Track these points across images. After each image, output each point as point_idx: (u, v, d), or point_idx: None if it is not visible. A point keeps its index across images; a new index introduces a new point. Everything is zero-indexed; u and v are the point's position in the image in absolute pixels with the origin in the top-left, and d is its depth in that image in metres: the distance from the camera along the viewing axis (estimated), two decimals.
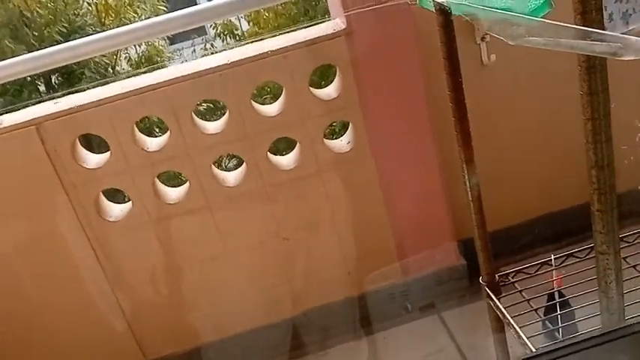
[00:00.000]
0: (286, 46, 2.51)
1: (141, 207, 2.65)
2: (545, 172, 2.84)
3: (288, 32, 2.64)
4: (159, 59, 10.73)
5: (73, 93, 2.61)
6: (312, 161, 2.68)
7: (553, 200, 2.88)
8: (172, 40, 13.29)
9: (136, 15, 10.24)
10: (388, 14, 2.16)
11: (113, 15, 10.16)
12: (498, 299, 1.78)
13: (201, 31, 12.66)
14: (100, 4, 10.24)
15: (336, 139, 2.84)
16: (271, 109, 2.66)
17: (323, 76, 6.14)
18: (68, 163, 2.52)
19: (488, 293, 1.81)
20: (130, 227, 2.67)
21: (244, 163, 2.69)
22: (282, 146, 4.40)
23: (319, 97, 2.62)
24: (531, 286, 1.85)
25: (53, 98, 2.61)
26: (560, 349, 0.91)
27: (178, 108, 2.53)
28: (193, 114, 2.60)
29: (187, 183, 2.68)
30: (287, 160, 2.74)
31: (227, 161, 7.91)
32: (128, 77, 2.67)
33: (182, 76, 2.50)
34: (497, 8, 1.40)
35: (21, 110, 2.58)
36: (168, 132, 2.58)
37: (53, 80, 9.50)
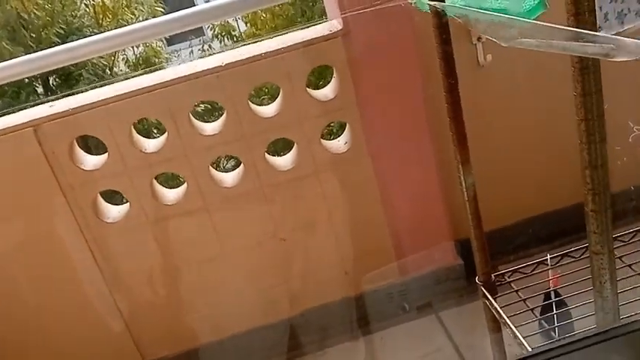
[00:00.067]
0: (283, 47, 2.51)
1: (138, 208, 2.65)
2: (540, 172, 2.85)
3: (285, 34, 2.64)
4: (156, 60, 10.74)
5: (70, 95, 2.60)
6: (310, 162, 2.69)
7: (549, 200, 2.88)
8: (170, 41, 13.30)
9: (133, 16, 10.25)
10: (385, 15, 2.16)
11: (110, 16, 10.16)
12: (494, 299, 1.79)
13: (198, 32, 12.67)
14: (97, 5, 10.24)
15: (333, 139, 2.85)
16: (268, 110, 2.66)
17: (320, 76, 6.15)
18: (66, 165, 2.52)
19: (485, 293, 1.82)
20: (127, 228, 2.68)
21: (242, 164, 2.70)
22: (280, 146, 4.41)
23: (316, 98, 2.63)
24: (527, 285, 1.86)
25: (50, 100, 2.61)
26: (556, 349, 0.92)
27: (176, 109, 2.53)
28: (191, 115, 2.60)
29: (185, 184, 2.69)
30: (284, 161, 2.74)
31: (225, 162, 7.92)
32: (126, 79, 2.67)
33: (179, 77, 2.50)
34: (492, 9, 1.41)
35: (18, 112, 2.58)
36: (166, 133, 2.59)
37: (51, 82, 9.50)
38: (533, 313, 1.79)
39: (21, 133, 2.46)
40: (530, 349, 1.55)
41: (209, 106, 8.00)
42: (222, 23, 10.68)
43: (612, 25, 1.43)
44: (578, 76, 1.00)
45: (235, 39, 10.99)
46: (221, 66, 2.50)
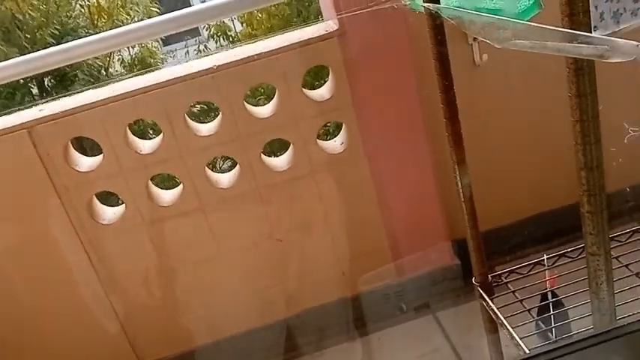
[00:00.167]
0: (279, 48, 2.51)
1: (134, 210, 2.64)
2: (537, 172, 2.85)
3: (282, 35, 2.63)
4: (152, 61, 10.71)
5: (62, 97, 2.59)
6: (306, 162, 2.68)
7: (545, 200, 2.88)
8: (166, 41, 13.29)
9: (128, 17, 10.22)
10: (381, 15, 2.16)
11: (106, 17, 10.13)
12: (491, 300, 1.79)
13: (194, 32, 12.65)
14: (92, 6, 10.21)
15: (330, 139, 2.84)
16: (264, 110, 2.66)
17: (317, 76, 6.15)
18: (60, 167, 2.51)
19: (481, 294, 1.81)
20: (123, 230, 2.67)
21: (238, 165, 2.69)
22: (277, 147, 4.41)
23: (312, 99, 2.62)
24: (524, 286, 1.86)
25: (41, 103, 2.60)
26: (553, 352, 0.92)
27: (171, 110, 2.52)
28: (186, 116, 2.59)
29: (181, 185, 2.68)
30: (280, 162, 2.74)
31: (221, 162, 7.91)
32: (123, 79, 2.66)
33: (174, 78, 2.49)
34: (486, 9, 1.40)
35: (12, 114, 2.57)
36: (161, 134, 2.58)
37: (46, 83, 9.47)
38: (530, 314, 1.79)
39: (15, 135, 2.45)
40: (527, 350, 1.54)
41: (205, 106, 7.99)
42: (218, 23, 10.66)
43: (608, 24, 1.42)
44: (573, 77, 0.99)
45: (231, 39, 10.97)
46: (216, 66, 2.49)
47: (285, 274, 2.87)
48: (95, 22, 10.12)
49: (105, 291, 2.74)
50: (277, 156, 2.85)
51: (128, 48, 10.31)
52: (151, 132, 7.42)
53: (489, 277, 1.85)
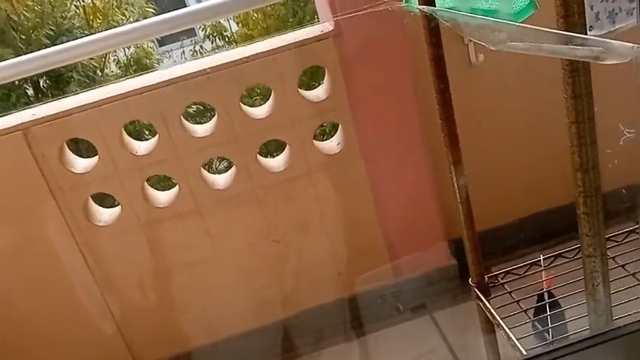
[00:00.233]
0: (274, 49, 2.50)
1: (130, 211, 2.64)
2: (533, 171, 2.85)
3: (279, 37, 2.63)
4: (148, 61, 10.69)
5: (55, 100, 2.58)
6: (302, 163, 2.68)
7: (542, 199, 2.88)
8: (161, 41, 13.26)
9: (124, 17, 10.19)
10: (377, 16, 2.15)
11: (101, 17, 10.10)
12: (488, 300, 1.79)
13: (190, 32, 12.63)
14: (87, 6, 10.18)
15: (326, 139, 2.84)
16: (260, 111, 2.65)
17: (313, 76, 6.14)
18: (56, 168, 2.50)
19: (478, 295, 1.81)
20: (119, 231, 2.66)
21: (234, 166, 2.69)
22: (273, 147, 4.41)
23: (308, 99, 2.62)
24: (521, 287, 1.86)
25: (35, 106, 2.59)
26: (549, 353, 0.92)
27: (167, 111, 2.52)
28: (182, 117, 2.59)
29: (177, 186, 2.68)
30: (277, 162, 2.73)
31: (217, 163, 7.90)
32: (118, 81, 2.66)
33: (170, 79, 2.49)
34: (482, 10, 1.40)
35: (7, 115, 2.56)
36: (157, 135, 2.57)
37: (41, 84, 9.44)
38: (527, 315, 1.79)
39: (10, 137, 2.44)
40: (524, 351, 1.54)
41: (201, 107, 7.98)
42: (214, 24, 10.64)
43: (603, 24, 1.43)
44: (568, 78, 0.99)
45: (227, 39, 10.96)
46: (212, 67, 2.49)
47: (282, 275, 2.87)
48: (90, 22, 10.09)
49: (101, 292, 2.73)
50: (274, 156, 2.84)
51: (124, 48, 10.28)
52: (146, 132, 7.41)
53: (486, 278, 1.85)
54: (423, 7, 1.37)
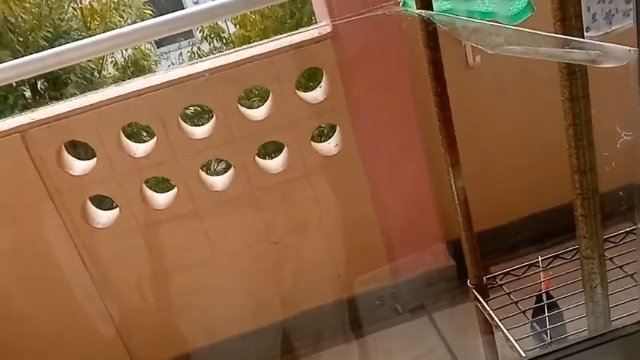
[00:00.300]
0: (272, 50, 2.51)
1: (128, 213, 2.64)
2: (531, 172, 2.86)
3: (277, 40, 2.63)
4: (145, 63, 10.68)
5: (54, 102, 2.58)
6: (300, 164, 2.68)
7: (539, 200, 2.89)
8: (159, 43, 13.27)
9: (121, 19, 10.18)
10: (374, 18, 2.16)
11: (99, 19, 10.08)
12: (486, 302, 1.79)
13: (187, 34, 12.64)
14: (85, 8, 10.16)
15: (325, 140, 2.84)
16: (258, 113, 2.65)
17: (311, 78, 6.14)
18: (54, 171, 2.50)
19: (477, 296, 1.82)
20: (117, 233, 2.66)
21: (232, 168, 2.69)
22: (271, 148, 4.40)
23: (306, 101, 2.62)
24: (519, 288, 1.86)
25: (40, 104, 2.59)
26: (548, 355, 0.92)
27: (164, 114, 2.52)
28: (180, 119, 2.59)
29: (175, 188, 2.68)
30: (275, 164, 2.74)
31: (216, 164, 7.89)
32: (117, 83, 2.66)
33: (168, 81, 2.49)
34: (479, 12, 1.41)
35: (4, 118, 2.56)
36: (155, 138, 2.57)
37: (39, 86, 9.42)
38: (525, 316, 1.79)
39: (8, 139, 2.44)
40: (522, 353, 1.54)
41: (198, 108, 7.97)
42: (212, 25, 10.64)
43: (600, 25, 1.43)
44: (565, 81, 0.99)
45: (225, 41, 10.96)
46: (210, 69, 2.49)
47: (281, 277, 2.87)
48: (88, 24, 10.07)
49: (100, 294, 2.73)
50: (272, 158, 2.84)
51: (121, 50, 10.27)
52: (144, 134, 7.40)
53: (484, 279, 1.85)
54: (420, 11, 1.37)
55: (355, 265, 2.85)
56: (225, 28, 11.47)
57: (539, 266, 1.89)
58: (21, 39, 9.16)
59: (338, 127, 2.73)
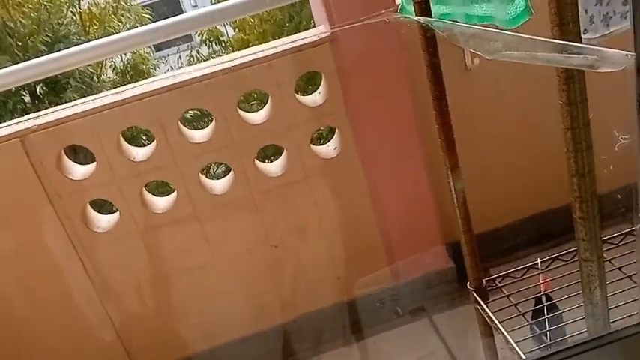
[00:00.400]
0: (271, 55, 2.51)
1: (128, 217, 2.64)
2: (530, 174, 2.86)
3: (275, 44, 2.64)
4: (144, 67, 10.69)
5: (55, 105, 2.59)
6: (300, 168, 2.69)
7: (539, 201, 2.89)
8: (158, 47, 13.30)
9: (120, 23, 10.20)
10: (373, 23, 2.17)
11: (97, 24, 10.10)
12: (486, 304, 1.79)
13: (186, 37, 12.67)
14: (84, 12, 10.18)
15: (324, 142, 2.85)
16: (257, 116, 2.66)
17: (310, 81, 6.15)
18: (54, 175, 2.50)
19: (476, 298, 1.82)
20: (117, 238, 2.66)
21: (232, 171, 2.69)
22: (271, 152, 4.41)
23: (305, 104, 2.63)
24: (519, 290, 1.86)
25: (40, 109, 2.60)
26: (547, 357, 0.92)
27: (164, 118, 2.52)
28: (180, 123, 2.59)
29: (175, 192, 2.68)
30: (274, 167, 2.74)
31: (215, 168, 7.90)
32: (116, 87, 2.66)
33: (167, 85, 2.49)
34: (478, 16, 1.41)
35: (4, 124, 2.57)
36: (155, 142, 2.58)
37: (38, 90, 9.43)
38: (525, 318, 1.79)
39: (8, 144, 2.44)
40: (522, 355, 1.55)
41: (198, 112, 7.98)
42: (210, 29, 10.65)
43: (598, 27, 1.44)
44: (563, 85, 1.00)
45: (223, 44, 10.97)
46: (209, 74, 2.49)
47: (281, 280, 2.87)
48: (87, 28, 10.09)
49: (100, 299, 2.73)
50: (271, 161, 2.85)
51: (120, 54, 10.29)
52: (144, 138, 7.41)
53: (484, 282, 1.85)
54: (419, 18, 1.38)
55: (355, 268, 2.86)
56: (224, 31, 11.50)
57: (538, 268, 1.89)
58: (20, 43, 9.16)
59: (337, 130, 2.73)
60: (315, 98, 2.66)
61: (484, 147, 2.79)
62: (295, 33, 2.72)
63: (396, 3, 1.91)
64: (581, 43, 0.92)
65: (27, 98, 9.39)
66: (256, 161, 2.68)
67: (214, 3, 10.46)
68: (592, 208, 1.10)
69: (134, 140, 6.77)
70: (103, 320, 2.76)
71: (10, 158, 2.46)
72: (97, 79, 9.81)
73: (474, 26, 1.10)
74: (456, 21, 1.53)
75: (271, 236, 2.77)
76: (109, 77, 10.54)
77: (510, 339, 1.63)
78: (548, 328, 1.80)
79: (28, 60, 2.57)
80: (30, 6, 9.32)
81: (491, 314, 1.76)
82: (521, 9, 1.26)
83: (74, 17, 10.19)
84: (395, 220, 2.85)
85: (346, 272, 2.87)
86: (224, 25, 11.56)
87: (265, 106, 2.66)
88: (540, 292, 1.95)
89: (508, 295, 1.84)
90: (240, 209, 2.70)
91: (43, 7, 9.36)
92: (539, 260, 1.89)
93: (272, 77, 2.54)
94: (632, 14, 0.78)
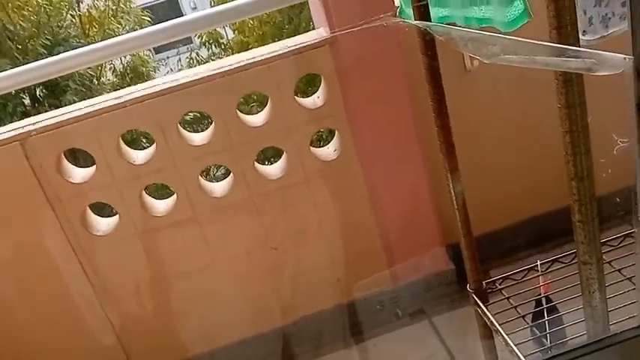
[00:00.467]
0: (270, 57, 2.51)
1: (128, 220, 2.64)
2: (530, 175, 2.86)
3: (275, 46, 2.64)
4: (144, 69, 10.69)
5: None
6: (299, 170, 2.69)
7: (539, 203, 2.89)
8: (157, 49, 13.28)
9: (119, 26, 10.20)
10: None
11: (97, 26, 10.10)
12: (486, 306, 1.79)
13: (186, 40, 12.66)
14: (83, 15, 10.18)
15: (324, 144, 2.85)
16: (257, 119, 2.66)
17: (310, 82, 6.16)
18: (53, 178, 2.50)
19: (476, 301, 1.82)
20: (117, 240, 2.66)
21: (231, 174, 2.69)
22: (270, 154, 4.41)
23: (305, 106, 2.63)
24: (518, 292, 1.86)
25: (40, 112, 2.60)
26: None
27: (164, 120, 2.52)
28: (179, 126, 2.59)
29: (175, 195, 2.68)
30: (274, 170, 2.74)
31: (215, 170, 7.90)
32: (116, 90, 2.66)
33: (167, 88, 2.49)
34: (476, 19, 1.42)
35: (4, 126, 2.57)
36: (155, 144, 2.58)
37: (38, 93, 9.43)
38: (525, 321, 1.79)
39: (8, 147, 2.44)
40: (522, 358, 1.55)
41: (198, 114, 7.98)
42: (210, 31, 10.66)
43: (597, 29, 1.44)
44: (561, 88, 1.00)
45: (223, 46, 10.97)
46: (209, 76, 2.49)
47: (281, 282, 2.87)
48: (87, 31, 10.09)
49: (100, 302, 2.73)
50: (271, 163, 2.85)
51: (120, 57, 10.29)
52: (144, 140, 7.41)
53: (484, 284, 1.85)
54: (417, 22, 1.38)
55: (355, 270, 2.86)
56: (224, 33, 11.50)
57: (537, 270, 1.89)
58: (20, 46, 9.16)
59: (337, 132, 2.74)
60: (315, 100, 2.66)
61: (484, 148, 2.79)
62: (295, 35, 2.72)
63: (395, 5, 1.92)
64: (579, 46, 0.92)
65: (27, 101, 9.39)
66: (256, 163, 2.68)
67: (213, 5, 10.47)
68: (591, 211, 1.10)
69: (134, 143, 6.76)
70: (103, 323, 2.76)
71: (10, 161, 2.46)
72: (96, 82, 9.80)
73: (472, 30, 1.11)
74: (455, 23, 1.53)
75: (271, 239, 2.77)
76: (109, 80, 10.54)
77: (510, 341, 1.63)
78: (548, 331, 1.79)
79: (28, 63, 2.57)
80: (29, 9, 9.32)
81: (491, 317, 1.75)
82: (520, 11, 1.26)
83: (74, 20, 10.19)
84: (394, 222, 2.84)
85: (346, 275, 2.87)
86: (224, 27, 11.55)
87: (265, 109, 2.66)
88: (540, 294, 1.94)
89: (508, 298, 1.84)
90: (240, 212, 2.70)
91: (42, 10, 9.36)
92: (539, 262, 1.89)
93: (271, 79, 2.54)
94: (629, 19, 0.78)
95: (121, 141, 2.58)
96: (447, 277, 2.94)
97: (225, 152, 2.62)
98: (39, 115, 2.61)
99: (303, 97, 2.76)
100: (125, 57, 10.52)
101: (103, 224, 2.69)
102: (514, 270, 1.92)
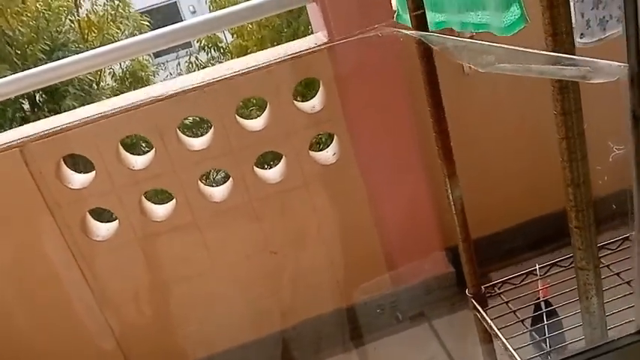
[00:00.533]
0: (269, 61, 2.52)
1: (128, 225, 2.64)
2: (528, 178, 2.86)
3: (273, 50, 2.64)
4: (143, 73, 10.69)
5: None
6: (299, 174, 2.69)
7: (538, 206, 2.89)
8: (157, 53, 13.29)
9: (118, 31, 10.20)
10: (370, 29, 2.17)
11: (96, 31, 10.11)
12: (485, 311, 1.79)
13: (185, 44, 12.65)
14: (82, 20, 10.18)
15: (323, 148, 2.85)
16: (256, 123, 2.66)
17: (308, 86, 6.16)
18: (53, 184, 2.51)
19: (475, 305, 1.82)
20: (117, 246, 2.67)
21: (231, 178, 2.70)
22: (269, 157, 4.41)
23: (303, 110, 2.63)
24: (518, 296, 1.86)
25: (39, 117, 2.60)
26: None
27: (163, 125, 2.53)
28: (178, 131, 2.60)
29: (174, 200, 2.68)
30: (273, 174, 2.74)
31: (215, 174, 7.90)
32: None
33: (165, 93, 2.50)
34: (473, 24, 1.42)
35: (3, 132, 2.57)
36: (154, 150, 2.58)
37: (37, 98, 9.43)
38: (524, 325, 1.79)
39: (7, 154, 2.45)
40: None
41: (197, 118, 7.99)
42: (209, 35, 10.67)
43: (594, 31, 1.44)
44: (557, 95, 1.00)
45: (222, 50, 10.98)
46: (208, 81, 2.50)
47: (280, 286, 2.87)
48: (86, 36, 10.09)
49: (99, 307, 2.73)
50: (270, 167, 2.85)
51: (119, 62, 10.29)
52: (143, 145, 7.41)
53: (482, 288, 1.85)
54: (412, 32, 1.39)
55: (355, 274, 2.86)
56: (223, 37, 11.51)
57: (536, 274, 1.89)
58: (19, 52, 9.15)
59: (336, 136, 2.74)
60: (314, 104, 2.67)
61: (482, 151, 2.79)
62: (293, 39, 2.73)
63: (393, 9, 1.92)
64: (575, 53, 0.93)
65: (26, 106, 9.39)
66: (255, 168, 2.68)
67: (212, 10, 10.48)
68: (587, 217, 1.10)
69: (133, 147, 6.77)
70: (103, 328, 2.76)
71: (10, 167, 2.47)
72: (96, 87, 9.81)
73: (467, 40, 1.11)
74: (452, 29, 1.54)
75: (270, 243, 2.77)
76: (108, 84, 10.54)
77: (509, 346, 1.63)
78: (547, 335, 1.79)
79: (27, 68, 2.57)
80: (28, 14, 9.32)
81: (490, 321, 1.75)
82: (516, 17, 1.27)
83: (73, 25, 10.18)
84: (394, 226, 2.85)
85: (346, 278, 2.87)
86: (223, 32, 11.56)
87: (264, 113, 2.66)
88: (539, 298, 1.94)
89: (507, 302, 1.84)
90: (240, 216, 2.70)
91: (41, 15, 9.36)
92: (537, 266, 1.89)
93: (270, 84, 2.54)
94: (624, 26, 0.79)
95: (120, 146, 2.59)
96: (447, 280, 2.94)
97: (225, 157, 2.63)
98: (38, 122, 2.62)
99: (303, 99, 2.76)
100: (124, 62, 10.53)
101: (102, 229, 2.69)
102: (513, 273, 1.92)
